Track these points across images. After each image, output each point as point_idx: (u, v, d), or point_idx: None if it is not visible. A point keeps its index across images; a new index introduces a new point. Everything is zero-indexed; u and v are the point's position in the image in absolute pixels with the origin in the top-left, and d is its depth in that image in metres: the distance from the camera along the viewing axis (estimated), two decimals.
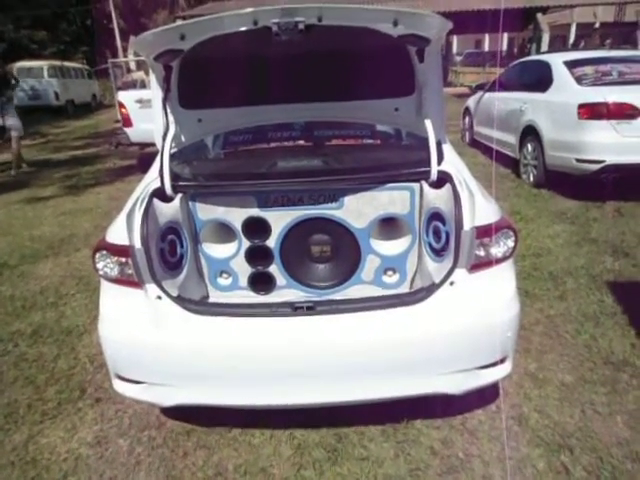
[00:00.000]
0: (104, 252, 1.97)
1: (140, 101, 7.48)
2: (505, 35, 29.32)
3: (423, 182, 2.21)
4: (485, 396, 2.33)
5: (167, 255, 2.15)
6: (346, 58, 2.22)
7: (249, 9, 1.77)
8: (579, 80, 5.34)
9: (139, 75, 12.32)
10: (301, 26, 1.79)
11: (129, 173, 8.13)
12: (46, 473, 2.12)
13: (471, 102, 8.50)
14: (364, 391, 1.93)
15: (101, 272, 1.99)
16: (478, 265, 1.92)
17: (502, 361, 2.00)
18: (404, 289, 2.40)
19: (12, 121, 8.73)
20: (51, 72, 18.27)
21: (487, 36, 32.98)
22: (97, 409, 2.49)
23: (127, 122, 7.66)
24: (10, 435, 2.34)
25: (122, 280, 1.97)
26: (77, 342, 3.10)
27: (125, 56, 22.32)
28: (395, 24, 1.86)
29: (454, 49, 31.34)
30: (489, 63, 20.19)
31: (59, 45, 27.32)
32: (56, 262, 4.48)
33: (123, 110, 7.65)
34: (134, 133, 7.69)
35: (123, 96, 7.87)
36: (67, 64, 20.23)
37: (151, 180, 2.26)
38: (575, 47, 15.47)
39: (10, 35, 24.41)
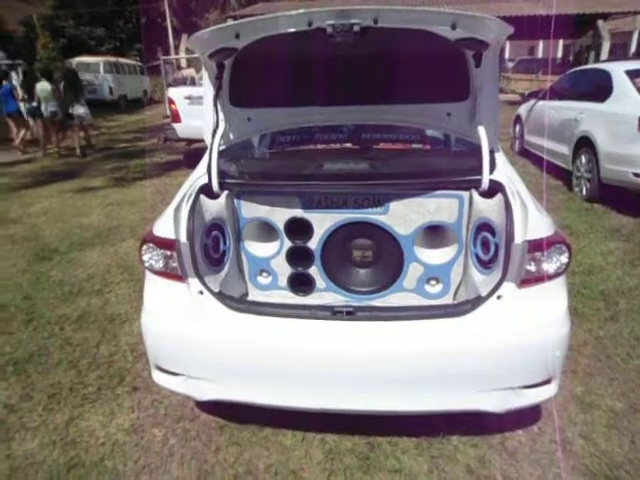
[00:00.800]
0: (150, 244, 2.01)
1: (189, 98, 7.68)
2: (560, 42, 28.32)
3: (473, 191, 2.14)
4: (527, 416, 2.23)
5: (210, 251, 2.18)
6: (400, 60, 2.17)
7: (303, 10, 1.76)
8: None
9: (189, 72, 12.67)
10: (356, 28, 1.77)
11: (175, 168, 8.35)
12: (85, 454, 2.18)
13: (522, 110, 8.25)
14: (400, 402, 1.88)
15: (147, 264, 2.04)
16: (528, 280, 1.84)
17: (548, 382, 1.91)
18: (447, 300, 2.33)
19: (82, 110, 9.88)
20: (107, 68, 19.04)
21: (541, 43, 31.96)
22: (134, 397, 2.54)
23: (176, 118, 7.87)
24: (53, 415, 2.43)
25: (166, 273, 2.00)
26: (119, 330, 3.20)
27: (176, 54, 22.99)
28: (453, 27, 1.81)
29: (506, 55, 30.54)
30: (542, 70, 19.55)
31: (115, 42, 28.43)
32: (103, 251, 4.64)
33: (172, 106, 7.86)
34: (182, 129, 7.89)
35: (173, 92, 8.09)
36: (122, 60, 21.04)
37: (199, 176, 2.29)
38: (638, 56, 14.74)
39: (70, 31, 25.62)
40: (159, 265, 2.01)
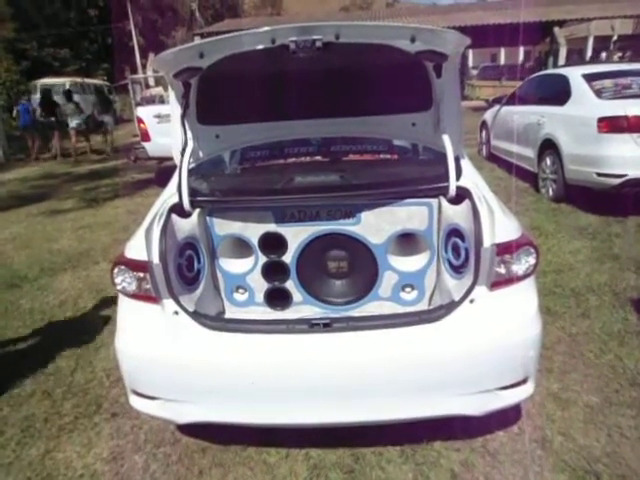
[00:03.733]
0: (122, 267, 1.98)
1: (158, 116, 7.63)
2: (521, 48, 29.28)
3: (441, 198, 2.19)
4: (506, 417, 2.26)
5: (184, 270, 2.16)
6: (363, 74, 2.22)
7: (267, 28, 1.78)
8: (598, 93, 5.28)
9: (157, 91, 12.64)
10: (319, 44, 1.80)
11: (147, 187, 8.25)
12: None
13: (488, 116, 8.47)
14: (381, 411, 1.89)
15: (119, 287, 2.00)
16: (499, 283, 1.88)
17: (524, 381, 1.95)
18: (422, 306, 2.36)
19: (107, 118, 13.42)
20: (72, 89, 18.72)
21: (503, 50, 32.97)
22: (113, 424, 2.48)
23: (145, 137, 7.80)
24: (27, 449, 2.34)
25: (140, 295, 1.97)
26: (94, 356, 3.12)
27: (144, 72, 22.83)
28: (412, 40, 1.86)
29: (470, 63, 31.36)
30: (505, 76, 20.14)
31: (81, 62, 28.11)
32: (75, 275, 4.53)
33: (142, 125, 7.79)
34: (152, 147, 7.82)
35: (142, 111, 8.02)
36: (88, 81, 20.73)
37: (169, 195, 2.27)
38: (593, 60, 15.34)
39: (33, 53, 25.23)
40: (132, 287, 1.98)
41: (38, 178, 9.94)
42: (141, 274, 1.94)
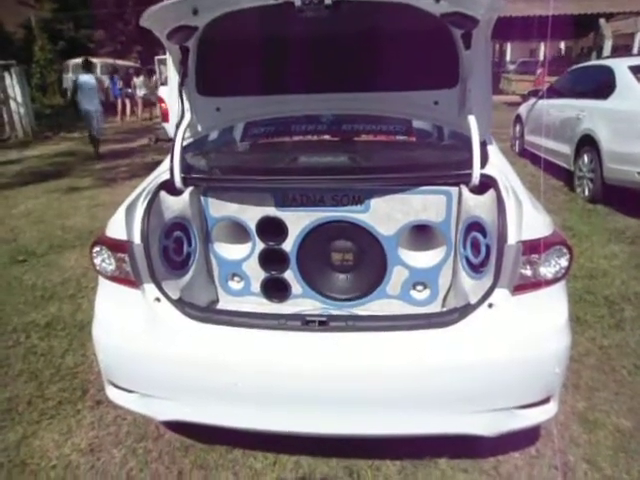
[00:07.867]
0: (102, 247, 1.81)
1: None
2: (562, 43, 28.17)
3: (463, 186, 1.93)
4: (523, 437, 2.01)
5: (171, 253, 1.97)
6: (380, 41, 1.97)
7: None
8: None
9: None
10: (328, 1, 1.57)
11: None
12: (32, 479, 1.97)
13: (523, 109, 8.03)
14: (379, 425, 1.67)
15: (98, 267, 1.83)
16: (523, 286, 1.63)
17: (546, 400, 1.70)
18: (435, 308, 2.12)
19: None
20: (103, 70, 18.91)
21: (542, 44, 31.76)
22: (96, 413, 2.34)
23: (166, 117, 7.68)
24: (4, 433, 2.22)
25: (119, 278, 1.80)
26: (88, 337, 2.91)
27: None
28: None
29: (507, 57, 30.36)
30: (543, 71, 19.30)
31: (115, 45, 28.36)
32: (82, 253, 4.42)
33: (162, 105, 7.69)
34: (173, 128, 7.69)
35: (163, 91, 7.91)
36: (119, 62, 20.92)
37: (162, 172, 2.09)
38: None
39: (70, 34, 25.60)
40: (111, 269, 1.81)
41: (60, 155, 9.97)
42: (120, 255, 1.76)
